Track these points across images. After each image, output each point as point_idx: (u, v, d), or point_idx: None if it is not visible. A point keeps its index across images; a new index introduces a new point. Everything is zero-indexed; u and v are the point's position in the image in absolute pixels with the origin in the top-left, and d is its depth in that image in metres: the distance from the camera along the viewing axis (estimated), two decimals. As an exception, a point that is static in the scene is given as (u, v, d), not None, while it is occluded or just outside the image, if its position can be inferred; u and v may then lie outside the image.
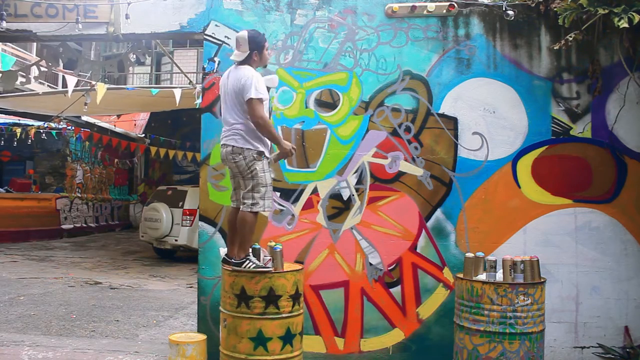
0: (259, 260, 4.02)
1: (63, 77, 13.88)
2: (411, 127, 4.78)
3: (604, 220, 4.69)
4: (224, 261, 4.07)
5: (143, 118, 18.92)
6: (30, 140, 14.01)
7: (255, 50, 3.95)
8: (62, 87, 15.21)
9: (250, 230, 3.96)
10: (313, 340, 4.70)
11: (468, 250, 4.59)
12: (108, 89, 9.52)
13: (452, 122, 4.76)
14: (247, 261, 3.94)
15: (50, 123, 14.15)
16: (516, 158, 4.73)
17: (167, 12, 4.95)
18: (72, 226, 16.14)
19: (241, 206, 3.95)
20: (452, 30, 4.78)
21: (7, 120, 14.31)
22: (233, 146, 3.89)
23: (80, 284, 8.68)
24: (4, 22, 4.99)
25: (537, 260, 3.96)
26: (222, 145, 3.98)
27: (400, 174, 4.77)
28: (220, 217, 4.80)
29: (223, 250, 4.22)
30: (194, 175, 19.14)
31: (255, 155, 3.89)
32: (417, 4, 4.74)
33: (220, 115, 4.13)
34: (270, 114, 4.27)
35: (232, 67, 4.04)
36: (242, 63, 3.96)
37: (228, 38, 4.86)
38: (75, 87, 10.01)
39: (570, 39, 4.38)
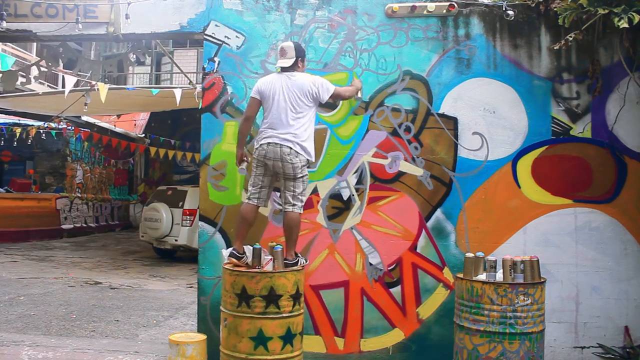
0: (259, 261, 4.04)
1: (63, 77, 13.87)
2: (411, 127, 4.78)
3: (604, 220, 4.69)
4: (233, 255, 4.15)
5: (143, 118, 18.93)
6: (30, 140, 14.02)
7: (300, 57, 4.34)
8: (62, 87, 15.21)
9: (299, 230, 4.34)
10: (313, 340, 4.70)
11: (468, 250, 4.59)
12: (109, 89, 9.52)
13: (452, 122, 4.76)
14: (300, 257, 4.28)
15: (51, 123, 14.15)
16: (516, 158, 4.73)
17: (167, 12, 4.95)
18: (72, 226, 16.15)
19: (288, 207, 4.23)
20: (452, 30, 4.79)
21: (7, 120, 14.31)
22: (291, 148, 4.16)
23: (80, 284, 8.68)
24: (4, 22, 4.99)
25: (537, 260, 3.96)
26: (274, 143, 4.17)
27: (400, 174, 4.77)
28: (220, 217, 4.80)
29: (226, 252, 4.23)
30: (194, 175, 19.14)
31: (305, 162, 4.27)
32: (417, 4, 4.74)
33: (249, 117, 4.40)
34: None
35: (276, 75, 4.35)
36: (288, 69, 4.30)
37: (228, 38, 4.86)
38: (75, 87, 10.01)
39: (570, 39, 4.38)
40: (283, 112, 4.20)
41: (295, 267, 4.11)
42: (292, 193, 4.23)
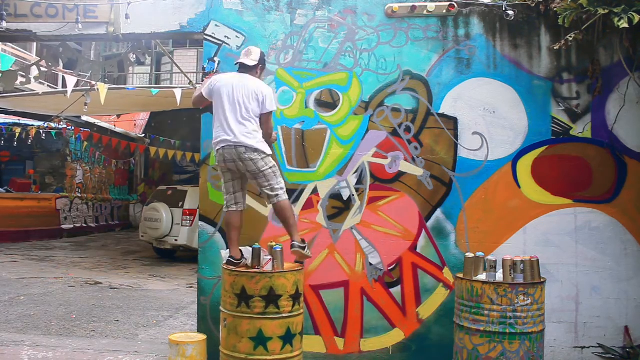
0: (259, 261, 4.04)
1: (63, 77, 13.88)
2: (411, 127, 4.78)
3: (604, 220, 4.69)
4: (230, 263, 4.09)
5: (143, 118, 18.93)
6: (30, 140, 14.01)
7: (261, 65, 4.30)
8: (62, 87, 15.21)
9: (293, 214, 4.28)
10: (313, 340, 4.70)
11: (468, 250, 4.59)
12: (109, 89, 9.51)
13: (452, 122, 4.76)
14: (305, 244, 4.22)
15: (50, 123, 14.15)
16: (516, 158, 4.73)
17: (167, 12, 4.95)
18: (72, 226, 16.15)
19: (274, 200, 4.15)
20: (452, 30, 4.79)
21: (7, 120, 14.31)
22: (246, 146, 4.06)
23: (80, 284, 8.68)
24: (4, 22, 4.99)
25: (537, 260, 3.96)
26: (229, 145, 4.08)
27: (400, 174, 4.77)
28: (220, 217, 4.79)
29: (225, 253, 4.23)
30: (194, 175, 19.14)
31: (265, 155, 4.13)
32: (417, 4, 4.74)
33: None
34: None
35: (234, 74, 4.25)
36: (247, 71, 4.22)
37: (228, 38, 4.86)
38: (75, 87, 10.00)
39: (570, 39, 4.38)
40: (234, 112, 4.11)
41: (295, 267, 4.11)
42: (268, 187, 4.15)
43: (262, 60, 4.31)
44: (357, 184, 4.78)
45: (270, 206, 4.73)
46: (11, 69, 7.50)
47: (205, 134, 4.85)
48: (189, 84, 11.54)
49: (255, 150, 4.08)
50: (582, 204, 4.70)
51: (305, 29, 4.84)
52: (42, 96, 11.86)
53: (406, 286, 4.74)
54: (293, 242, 4.14)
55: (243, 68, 4.25)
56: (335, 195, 4.79)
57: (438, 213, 4.74)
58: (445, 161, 4.75)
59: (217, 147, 4.17)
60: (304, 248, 4.15)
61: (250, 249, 4.12)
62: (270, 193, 4.15)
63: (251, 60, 4.24)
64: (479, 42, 4.77)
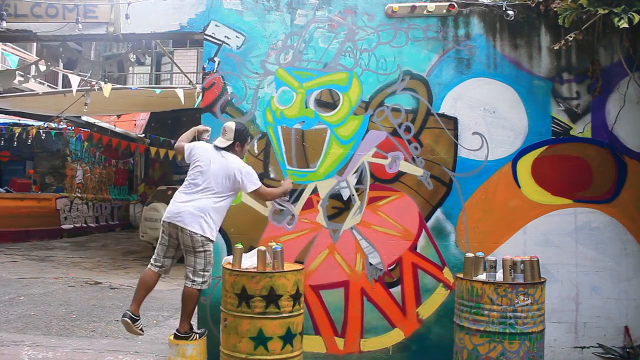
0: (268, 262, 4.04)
1: (63, 77, 13.88)
2: (411, 127, 4.78)
3: (604, 221, 4.69)
4: (128, 317, 4.36)
5: (143, 118, 18.93)
6: (30, 140, 14.02)
7: (238, 142, 4.43)
8: (62, 87, 15.21)
9: (195, 304, 4.37)
10: (313, 340, 4.70)
11: (468, 250, 4.59)
12: (112, 88, 9.52)
13: (452, 122, 4.76)
14: (193, 334, 4.37)
15: (50, 123, 14.15)
16: (516, 158, 4.73)
17: (167, 12, 4.95)
18: (72, 226, 16.15)
19: (189, 283, 4.27)
20: (452, 30, 4.79)
21: (7, 120, 14.31)
22: (196, 225, 4.23)
23: (80, 284, 8.68)
24: (4, 22, 4.99)
25: (537, 260, 3.96)
26: (179, 220, 4.24)
27: (400, 174, 4.77)
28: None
29: (227, 259, 4.23)
30: (193, 175, 19.09)
31: (206, 239, 4.28)
32: (417, 4, 4.74)
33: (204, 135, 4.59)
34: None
35: (213, 147, 4.42)
36: (223, 149, 4.39)
37: (228, 38, 4.86)
38: (77, 86, 10.01)
39: (570, 39, 4.38)
40: (202, 183, 4.28)
41: (296, 267, 4.11)
42: (191, 268, 4.29)
43: (239, 137, 4.41)
44: (357, 184, 4.78)
45: (270, 206, 4.75)
46: (9, 67, 7.49)
47: (205, 134, 4.85)
48: (189, 84, 11.55)
49: (201, 228, 4.23)
50: (582, 204, 4.70)
51: (305, 29, 4.84)
52: (42, 96, 11.87)
53: (406, 286, 4.74)
54: (177, 330, 4.33)
55: (218, 147, 4.40)
56: (335, 195, 4.79)
57: (438, 213, 4.74)
58: (445, 161, 4.75)
59: (167, 215, 4.32)
60: (186, 337, 4.30)
61: (254, 251, 4.10)
62: (197, 278, 4.28)
63: (225, 141, 4.38)
64: (479, 42, 4.77)
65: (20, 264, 10.54)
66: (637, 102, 4.65)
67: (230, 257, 4.23)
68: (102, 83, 9.37)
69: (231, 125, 4.42)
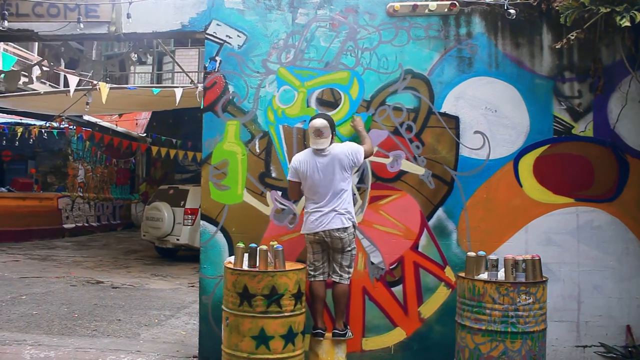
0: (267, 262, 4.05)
1: (65, 76, 13.89)
2: (413, 126, 4.77)
3: (605, 220, 4.68)
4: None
5: (144, 117, 18.92)
6: (32, 140, 14.03)
7: (334, 132, 4.49)
8: (64, 87, 15.21)
9: (348, 299, 4.55)
10: (315, 339, 4.69)
11: (470, 249, 4.58)
12: (110, 88, 9.52)
13: (454, 121, 4.76)
14: (348, 330, 4.50)
15: (52, 123, 14.16)
16: (518, 157, 4.72)
17: (169, 11, 4.95)
18: (73, 225, 16.17)
19: (337, 278, 4.41)
20: (453, 29, 4.78)
21: (9, 120, 14.33)
22: (341, 227, 4.32)
23: (82, 283, 8.69)
24: (6, 21, 5.00)
25: (539, 260, 3.96)
26: (323, 231, 4.32)
27: (402, 173, 4.77)
28: (222, 216, 4.79)
29: (230, 259, 4.24)
30: (195, 174, 19.14)
31: (354, 231, 4.44)
32: (418, 3, 4.73)
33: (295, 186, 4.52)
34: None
35: (309, 153, 4.46)
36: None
37: (229, 37, 4.86)
38: (77, 86, 10.01)
39: (572, 37, 4.37)
40: (325, 190, 4.33)
41: (297, 266, 4.11)
42: (338, 265, 4.41)
43: (333, 128, 4.46)
44: (358, 183, 4.78)
45: (272, 206, 4.75)
46: (14, 68, 7.51)
47: (206, 133, 4.86)
48: (191, 83, 11.54)
49: (346, 229, 4.35)
50: (584, 203, 4.69)
51: (306, 28, 4.84)
52: (44, 96, 11.88)
53: (408, 285, 4.74)
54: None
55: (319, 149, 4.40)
56: (337, 195, 4.78)
57: (440, 212, 4.74)
58: (446, 160, 4.75)
59: (310, 232, 4.40)
60: (343, 335, 4.42)
61: (258, 250, 4.10)
62: (344, 274, 4.43)
63: (325, 140, 4.38)
64: (480, 41, 4.77)
65: (22, 263, 10.56)
66: (639, 101, 4.64)
67: (232, 257, 4.23)
68: (101, 84, 9.36)
69: (324, 122, 4.39)
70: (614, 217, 4.68)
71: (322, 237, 4.34)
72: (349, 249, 4.39)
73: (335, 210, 4.30)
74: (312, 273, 4.44)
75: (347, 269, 4.42)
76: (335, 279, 4.41)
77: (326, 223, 4.30)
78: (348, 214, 4.36)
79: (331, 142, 4.42)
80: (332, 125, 4.45)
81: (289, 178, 4.52)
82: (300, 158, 4.47)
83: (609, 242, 4.67)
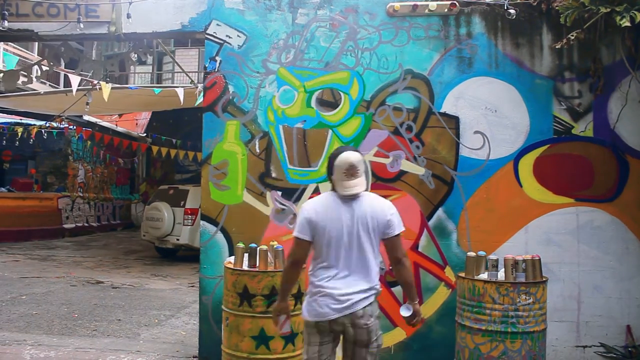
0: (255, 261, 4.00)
1: (65, 76, 13.90)
2: (413, 126, 4.77)
3: (605, 219, 4.68)
4: None
5: (145, 117, 18.92)
6: (32, 140, 14.03)
7: (367, 173, 3.46)
8: (64, 87, 15.22)
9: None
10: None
11: (470, 249, 4.58)
12: (111, 88, 9.52)
13: (454, 121, 4.76)
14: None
15: (52, 123, 14.15)
16: (518, 157, 4.72)
17: (169, 11, 4.95)
18: (73, 225, 16.16)
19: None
20: (453, 29, 4.78)
21: (9, 120, 14.32)
22: (367, 308, 3.04)
23: (82, 283, 8.69)
24: (6, 21, 5.00)
25: (539, 260, 3.96)
26: (344, 315, 2.99)
27: (402, 173, 4.77)
28: (222, 216, 4.79)
29: (230, 259, 4.23)
30: (195, 174, 19.13)
31: (378, 316, 3.15)
32: (418, 3, 4.74)
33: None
34: None
35: (331, 198, 3.10)
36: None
37: (229, 37, 4.86)
38: (77, 86, 10.01)
39: (572, 37, 4.37)
40: (354, 257, 3.06)
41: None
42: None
43: (367, 167, 3.43)
44: (358, 183, 4.77)
45: (272, 206, 4.75)
46: (13, 68, 7.51)
47: (206, 133, 4.86)
48: (191, 83, 11.54)
49: (373, 314, 3.08)
50: (584, 203, 4.69)
51: (306, 28, 4.84)
52: (44, 96, 11.87)
53: (408, 285, 4.73)
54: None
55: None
56: (337, 195, 4.78)
57: (440, 212, 4.74)
58: (446, 160, 4.75)
59: (321, 311, 3.04)
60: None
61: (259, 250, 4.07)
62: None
63: (361, 181, 3.07)
64: (480, 41, 4.77)
65: (22, 264, 10.56)
66: (639, 101, 4.64)
67: (232, 257, 4.23)
68: (102, 83, 9.36)
69: (358, 157, 3.08)
70: (614, 217, 4.67)
71: (343, 323, 3.01)
72: (376, 338, 3.07)
73: (364, 288, 3.05)
74: None
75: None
76: None
77: (350, 304, 3.00)
78: (376, 290, 3.13)
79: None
80: (364, 162, 3.22)
81: (296, 234, 3.07)
82: (318, 207, 3.11)
83: (609, 242, 4.66)
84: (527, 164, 4.71)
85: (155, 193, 12.95)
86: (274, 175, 4.80)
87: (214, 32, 4.88)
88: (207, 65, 4.91)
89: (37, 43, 16.00)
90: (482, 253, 4.06)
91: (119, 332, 5.90)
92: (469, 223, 4.71)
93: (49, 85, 16.80)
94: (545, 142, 4.72)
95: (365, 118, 4.78)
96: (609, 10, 4.14)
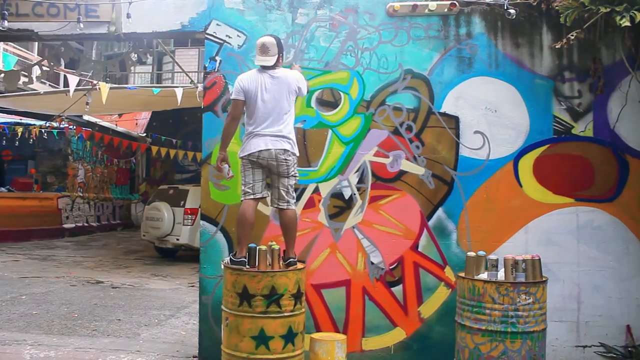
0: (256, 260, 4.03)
1: (65, 76, 13.90)
2: (412, 126, 4.77)
3: (605, 219, 4.68)
4: (234, 263, 4.04)
5: (144, 117, 18.93)
6: (32, 140, 14.03)
7: (281, 54, 4.21)
8: (64, 87, 15.21)
9: (297, 225, 4.35)
10: (314, 339, 4.69)
11: (469, 249, 4.58)
12: (110, 88, 9.52)
13: (454, 121, 4.76)
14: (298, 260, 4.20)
15: (52, 122, 14.16)
16: (518, 157, 4.72)
17: (169, 11, 4.95)
18: (73, 225, 16.17)
19: (284, 205, 4.19)
20: (453, 29, 4.78)
21: (9, 120, 14.32)
22: (285, 149, 4.13)
23: (82, 283, 8.70)
24: (6, 21, 5.00)
25: (539, 259, 3.95)
26: (267, 149, 4.09)
27: (402, 173, 4.77)
28: (221, 216, 4.80)
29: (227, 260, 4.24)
30: (195, 174, 19.14)
31: (296, 159, 4.24)
32: (418, 3, 4.74)
33: (220, 115, 4.35)
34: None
35: (256, 72, 4.20)
36: (271, 67, 4.17)
37: (229, 37, 4.86)
38: (77, 86, 10.01)
39: (572, 37, 4.37)
40: (271, 112, 4.11)
41: (297, 266, 4.11)
42: (285, 189, 4.19)
43: (280, 49, 4.20)
44: (358, 183, 4.78)
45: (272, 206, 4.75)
46: (14, 68, 7.51)
47: (206, 133, 4.86)
48: (191, 83, 11.54)
49: (291, 153, 4.17)
50: (583, 203, 4.69)
51: (306, 28, 4.84)
52: (44, 96, 11.87)
53: (408, 285, 4.74)
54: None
55: (265, 67, 4.18)
56: (337, 195, 4.79)
57: (440, 212, 4.74)
58: (446, 160, 4.75)
59: (253, 150, 4.14)
60: (294, 263, 4.14)
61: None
62: (286, 196, 4.20)
63: (271, 58, 4.13)
64: (480, 41, 4.77)
65: (22, 263, 10.56)
66: (639, 101, 4.64)
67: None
68: (101, 83, 9.36)
69: (271, 40, 4.16)
70: (614, 217, 4.67)
71: (267, 158, 4.11)
72: (294, 174, 4.22)
73: (282, 134, 4.11)
74: (249, 191, 4.16)
75: (292, 193, 4.23)
76: (283, 205, 4.18)
77: (273, 144, 4.10)
78: (293, 142, 4.19)
79: (277, 65, 4.17)
80: (280, 46, 4.20)
81: (233, 97, 4.24)
82: (247, 77, 4.23)
83: (609, 242, 4.67)
84: (527, 164, 4.71)
85: (155, 193, 12.95)
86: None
87: (214, 32, 4.88)
88: (207, 65, 4.91)
89: (37, 43, 16.00)
90: (482, 253, 4.06)
91: (118, 332, 5.90)
92: (469, 223, 4.71)
93: (49, 85, 16.80)
94: (545, 142, 4.72)
95: (365, 118, 4.79)
96: (609, 10, 4.14)
